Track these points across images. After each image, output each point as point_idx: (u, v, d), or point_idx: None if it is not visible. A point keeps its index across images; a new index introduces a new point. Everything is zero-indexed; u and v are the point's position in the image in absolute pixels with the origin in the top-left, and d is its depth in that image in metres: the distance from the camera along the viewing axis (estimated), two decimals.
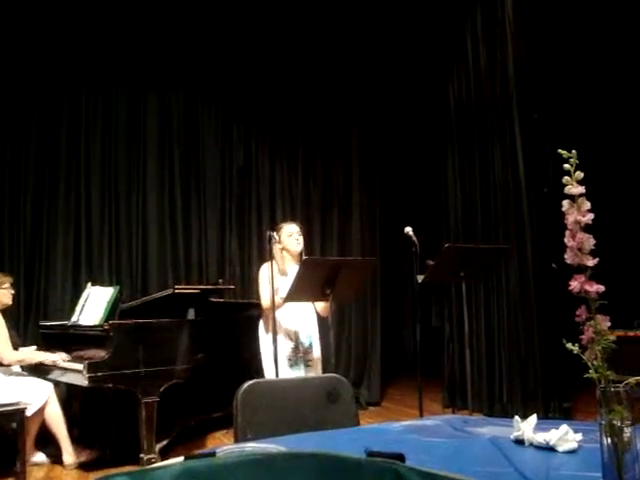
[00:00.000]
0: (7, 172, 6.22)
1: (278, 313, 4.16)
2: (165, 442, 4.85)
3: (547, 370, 6.10)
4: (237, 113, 7.59)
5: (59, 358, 4.80)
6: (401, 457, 0.65)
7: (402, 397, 7.75)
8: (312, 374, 4.27)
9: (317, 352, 4.46)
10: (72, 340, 5.05)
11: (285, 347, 4.25)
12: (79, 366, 4.40)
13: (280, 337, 4.20)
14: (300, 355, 4.34)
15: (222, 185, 7.45)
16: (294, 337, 4.35)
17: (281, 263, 4.39)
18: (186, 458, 0.65)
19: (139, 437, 4.47)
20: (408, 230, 4.66)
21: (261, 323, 4.47)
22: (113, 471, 4.14)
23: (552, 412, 5.97)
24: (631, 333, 4.67)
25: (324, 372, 4.35)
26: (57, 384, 4.91)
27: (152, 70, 7.05)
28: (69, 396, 5.58)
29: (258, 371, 4.39)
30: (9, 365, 4.80)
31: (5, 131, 6.24)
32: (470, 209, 7.04)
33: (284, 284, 4.16)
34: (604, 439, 1.04)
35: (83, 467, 4.75)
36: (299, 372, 4.28)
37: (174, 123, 7.21)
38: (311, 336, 4.43)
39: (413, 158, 10.17)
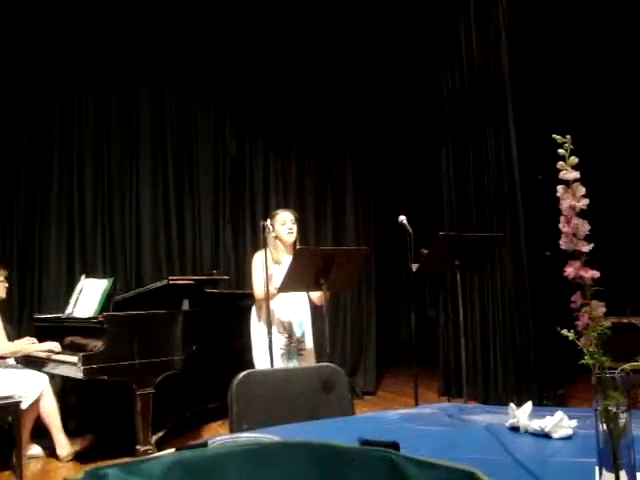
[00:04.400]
0: None
1: (272, 303, 4.14)
2: (161, 433, 4.85)
3: (542, 357, 6.12)
4: (230, 103, 7.55)
5: (53, 346, 4.79)
6: (395, 446, 0.65)
7: (398, 386, 7.76)
8: (305, 364, 4.27)
9: (310, 342, 4.47)
10: (67, 332, 5.03)
11: (279, 338, 4.24)
12: (74, 358, 4.39)
13: (273, 328, 4.18)
14: (294, 345, 4.34)
15: (215, 176, 7.43)
16: (288, 327, 4.34)
17: (275, 252, 4.37)
18: (177, 449, 0.64)
19: (135, 429, 4.47)
20: (402, 219, 4.65)
21: (253, 313, 4.45)
22: (109, 463, 4.15)
23: (547, 399, 6.00)
24: (624, 320, 4.67)
25: (319, 362, 4.35)
26: (52, 376, 4.90)
27: (144, 62, 6.99)
28: (64, 388, 5.58)
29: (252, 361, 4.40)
30: (3, 357, 4.79)
31: None
32: (464, 198, 7.03)
33: (278, 273, 4.15)
34: (599, 425, 1.04)
35: (79, 459, 4.75)
36: (292, 363, 4.28)
37: (167, 114, 7.16)
38: (304, 326, 4.42)
39: (407, 147, 10.16)
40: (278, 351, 4.22)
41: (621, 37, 7.66)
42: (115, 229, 6.70)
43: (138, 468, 0.59)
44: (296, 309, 4.40)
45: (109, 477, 0.57)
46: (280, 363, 4.19)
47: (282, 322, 4.31)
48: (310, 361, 4.44)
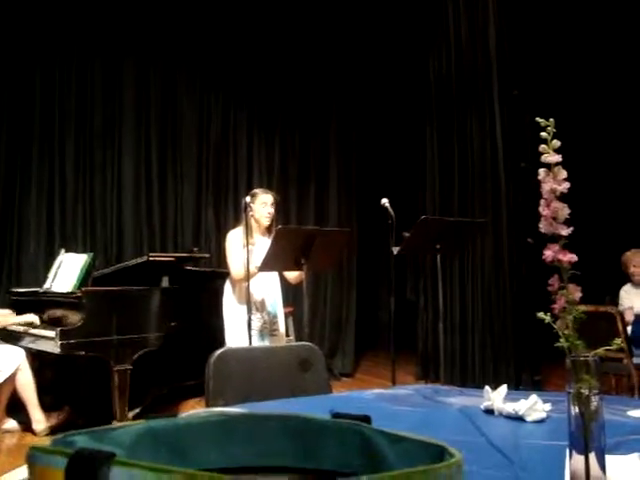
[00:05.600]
0: None
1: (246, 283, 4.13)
2: (138, 410, 4.84)
3: (519, 343, 6.18)
4: (215, 83, 7.49)
5: (33, 319, 4.74)
6: (367, 419, 0.65)
7: (375, 369, 7.80)
8: (277, 344, 4.29)
9: (282, 322, 4.48)
10: (44, 307, 4.99)
11: (253, 318, 4.23)
12: (51, 333, 4.36)
13: (247, 308, 4.16)
14: (266, 326, 4.34)
15: (199, 154, 7.38)
16: (261, 307, 4.34)
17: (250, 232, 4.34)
18: (148, 419, 0.64)
19: (112, 405, 4.46)
20: (384, 202, 4.65)
21: (226, 292, 4.44)
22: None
23: (524, 385, 6.05)
24: (602, 308, 4.71)
25: (298, 341, 4.36)
26: (29, 351, 4.86)
27: (129, 38, 6.88)
28: (41, 363, 5.54)
29: None
30: None
31: None
32: (447, 182, 7.04)
33: (254, 253, 4.14)
34: (572, 408, 1.05)
35: (55, 434, 4.70)
36: (265, 343, 4.29)
37: (151, 92, 7.08)
38: (275, 306, 4.42)
39: (391, 131, 10.12)
40: (253, 330, 4.21)
41: (610, 23, 7.66)
42: (96, 204, 6.64)
43: (108, 436, 0.58)
44: (268, 288, 4.40)
45: (77, 444, 0.57)
46: (254, 341, 4.18)
47: (255, 301, 4.29)
48: (282, 342, 4.45)
